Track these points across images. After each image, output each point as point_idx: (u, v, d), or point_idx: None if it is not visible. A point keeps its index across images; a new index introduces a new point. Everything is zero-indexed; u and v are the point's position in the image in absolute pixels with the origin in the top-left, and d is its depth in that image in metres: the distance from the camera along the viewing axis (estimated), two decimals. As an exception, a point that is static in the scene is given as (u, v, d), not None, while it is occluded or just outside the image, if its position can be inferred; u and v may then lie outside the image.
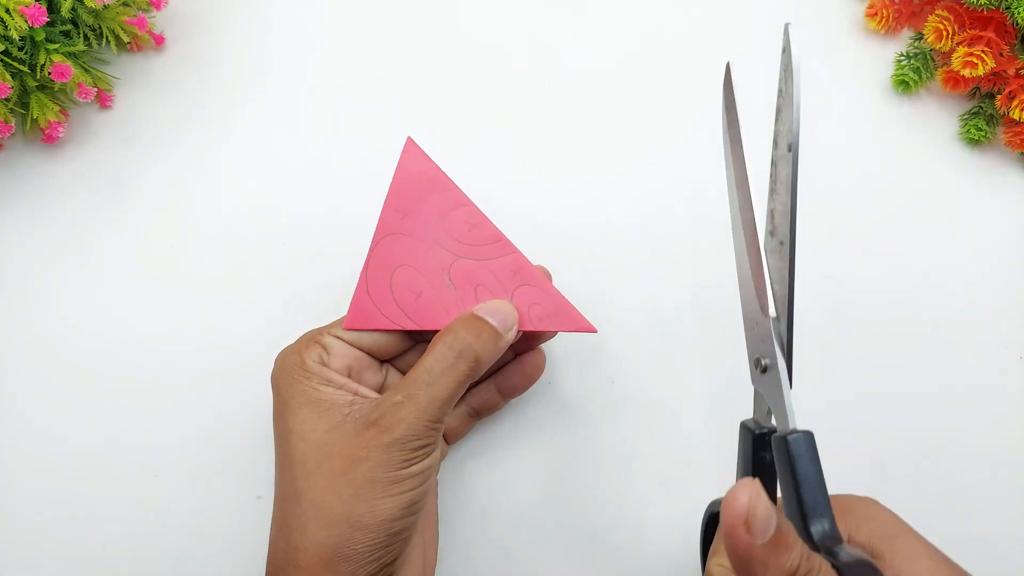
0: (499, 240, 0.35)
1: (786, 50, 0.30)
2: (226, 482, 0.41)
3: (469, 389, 0.38)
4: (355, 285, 0.36)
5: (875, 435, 0.42)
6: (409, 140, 0.36)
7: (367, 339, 0.35)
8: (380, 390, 0.36)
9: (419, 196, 0.35)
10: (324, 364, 0.33)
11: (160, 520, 0.40)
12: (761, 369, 0.30)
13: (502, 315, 0.34)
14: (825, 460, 0.42)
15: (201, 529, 0.40)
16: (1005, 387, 0.43)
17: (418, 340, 0.37)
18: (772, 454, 0.28)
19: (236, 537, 0.40)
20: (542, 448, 0.42)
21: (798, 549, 0.24)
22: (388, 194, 0.35)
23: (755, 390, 0.31)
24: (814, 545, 0.26)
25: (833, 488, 0.41)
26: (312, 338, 0.34)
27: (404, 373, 0.37)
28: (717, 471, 0.42)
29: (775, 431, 0.28)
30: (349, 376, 0.34)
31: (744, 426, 0.31)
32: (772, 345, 0.29)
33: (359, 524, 0.29)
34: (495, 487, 0.41)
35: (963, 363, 0.44)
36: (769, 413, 0.30)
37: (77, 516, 0.40)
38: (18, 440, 0.42)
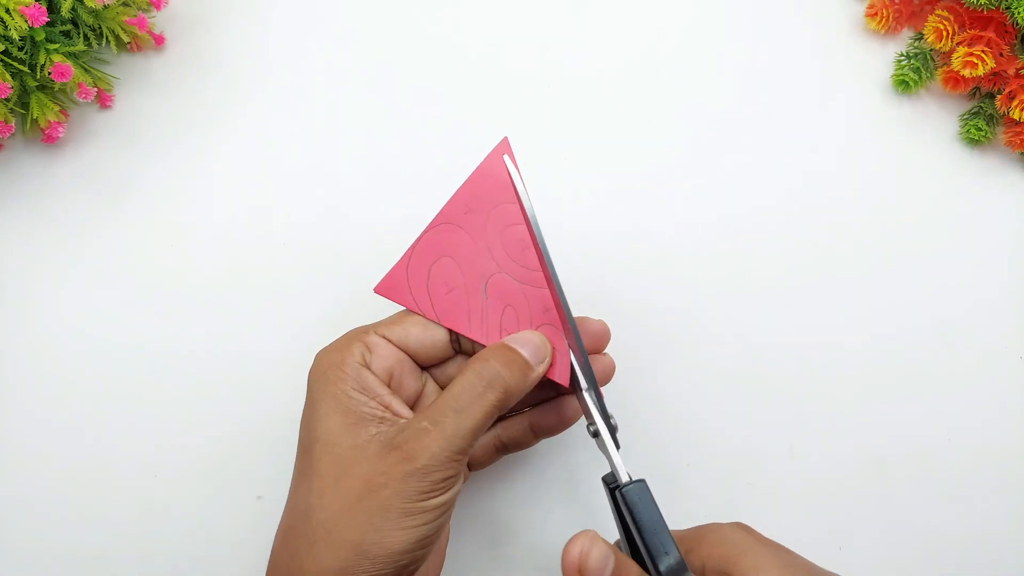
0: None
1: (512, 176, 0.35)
2: (226, 482, 0.41)
3: (500, 421, 0.37)
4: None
5: (875, 435, 0.42)
6: (504, 141, 0.35)
7: (413, 341, 0.34)
8: (416, 400, 0.35)
9: (490, 199, 0.34)
10: (365, 365, 0.32)
11: (160, 520, 0.40)
12: (592, 434, 0.33)
13: (534, 347, 0.33)
14: (826, 460, 0.42)
15: (201, 529, 0.40)
16: (1005, 387, 0.43)
17: (459, 351, 0.36)
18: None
19: (236, 537, 0.40)
20: (538, 447, 0.42)
21: None
22: (463, 185, 0.34)
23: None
24: None
25: (836, 489, 0.41)
26: (356, 336, 0.33)
27: (441, 384, 0.36)
28: (718, 470, 0.42)
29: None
30: (390, 382, 0.33)
31: (604, 481, 0.33)
32: (592, 413, 0.33)
33: (367, 554, 0.28)
34: (499, 496, 0.41)
35: (963, 363, 0.44)
36: None
37: (78, 516, 0.40)
38: (18, 441, 0.42)
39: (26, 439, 0.42)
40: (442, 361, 0.36)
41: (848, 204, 0.47)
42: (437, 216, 0.34)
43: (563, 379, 0.34)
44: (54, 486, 0.41)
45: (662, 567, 0.29)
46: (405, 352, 0.34)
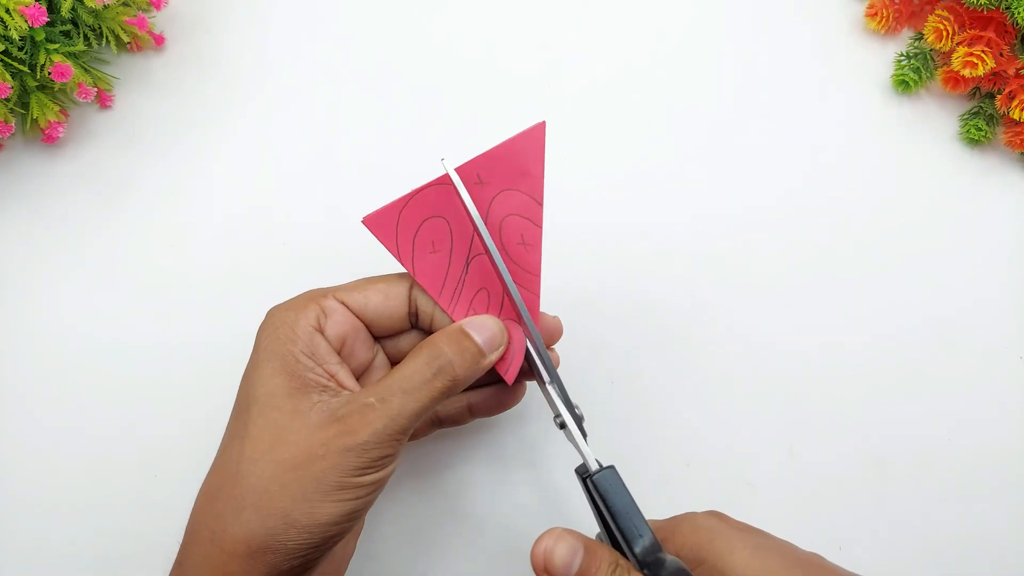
0: (533, 274, 0.34)
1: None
2: (226, 482, 0.41)
3: None
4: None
5: (875, 435, 0.42)
6: (541, 125, 0.33)
7: (372, 309, 0.33)
8: (364, 371, 0.34)
9: (505, 179, 0.33)
10: (319, 329, 0.31)
11: (160, 520, 0.40)
12: (559, 426, 0.33)
13: (490, 334, 0.32)
14: (826, 460, 0.42)
15: (201, 529, 0.40)
16: (1005, 387, 0.43)
17: (415, 326, 0.35)
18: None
19: (236, 537, 0.40)
20: (539, 447, 0.42)
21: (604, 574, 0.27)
22: (483, 154, 0.33)
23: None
24: (640, 563, 0.29)
25: (836, 489, 0.41)
26: (313, 298, 0.32)
27: (391, 357, 0.36)
28: (718, 471, 0.42)
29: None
30: (341, 350, 0.32)
31: (577, 472, 0.33)
32: (557, 406, 0.33)
33: (295, 523, 0.28)
34: (487, 490, 0.41)
35: (963, 363, 0.44)
36: None
37: (77, 516, 0.40)
38: (18, 440, 0.42)
39: (26, 439, 0.42)
40: (398, 332, 0.35)
41: (848, 204, 0.47)
42: (444, 175, 0.33)
43: (510, 377, 0.33)
44: (54, 486, 0.41)
45: (637, 549, 0.29)
46: (361, 320, 0.33)
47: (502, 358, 0.33)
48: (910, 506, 0.41)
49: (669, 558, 0.29)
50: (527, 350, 0.34)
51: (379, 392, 0.30)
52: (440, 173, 0.33)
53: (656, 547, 0.29)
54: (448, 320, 0.34)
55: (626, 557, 0.29)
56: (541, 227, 0.34)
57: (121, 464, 0.41)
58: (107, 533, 0.40)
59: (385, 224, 0.33)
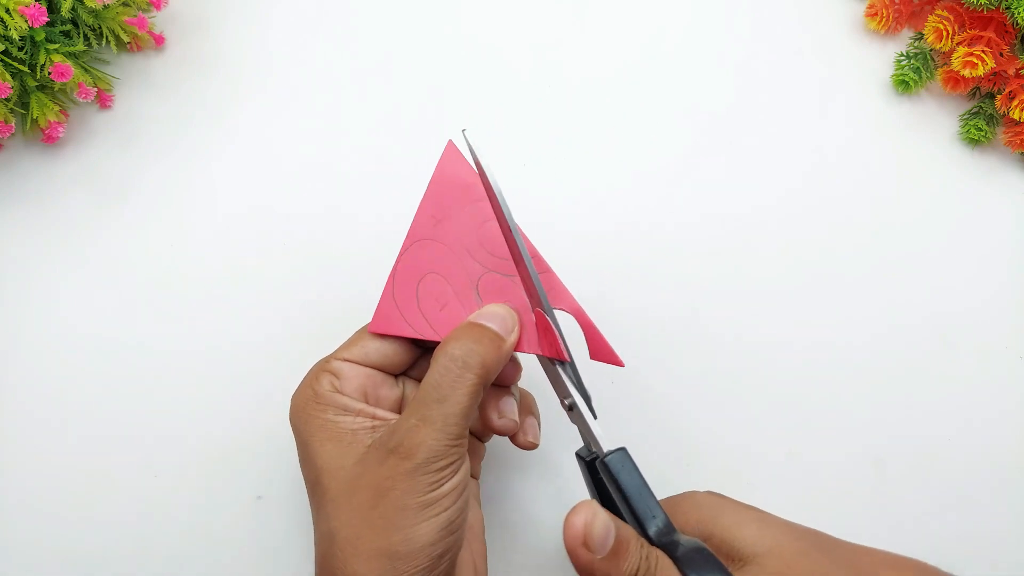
0: (533, 256, 0.34)
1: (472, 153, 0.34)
2: (226, 482, 0.41)
3: None
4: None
5: (875, 435, 0.42)
6: (450, 144, 0.34)
7: (375, 355, 0.34)
8: (400, 406, 0.35)
9: (455, 203, 0.34)
10: (337, 391, 0.32)
11: (160, 520, 0.40)
12: (568, 408, 0.33)
13: (500, 319, 0.32)
14: (825, 461, 0.42)
15: (201, 529, 0.40)
16: (1005, 387, 0.43)
17: (427, 347, 0.35)
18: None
19: (236, 537, 0.40)
20: (540, 448, 0.42)
21: (635, 553, 0.27)
22: (424, 198, 0.34)
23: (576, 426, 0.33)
24: (654, 543, 0.29)
25: (836, 490, 0.41)
26: (320, 368, 0.33)
27: (420, 382, 0.36)
28: (718, 471, 0.42)
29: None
30: (365, 398, 0.33)
31: (578, 455, 0.33)
32: (568, 387, 0.33)
33: (398, 554, 0.28)
34: (507, 496, 0.41)
35: (963, 363, 0.44)
36: None
37: (77, 516, 0.40)
38: (18, 441, 0.42)
39: (26, 439, 0.42)
40: (413, 362, 0.35)
41: (848, 204, 0.47)
42: (407, 237, 0.34)
43: (557, 352, 0.33)
44: (54, 486, 0.41)
45: (651, 531, 0.29)
46: (371, 367, 0.34)
47: (547, 344, 0.33)
48: (909, 506, 0.41)
49: (683, 538, 0.29)
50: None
51: (418, 411, 0.30)
52: (402, 239, 0.34)
53: (670, 528, 0.29)
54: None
55: None
56: (502, 214, 0.34)
57: (121, 464, 0.41)
58: (107, 533, 0.40)
59: (390, 318, 0.33)
